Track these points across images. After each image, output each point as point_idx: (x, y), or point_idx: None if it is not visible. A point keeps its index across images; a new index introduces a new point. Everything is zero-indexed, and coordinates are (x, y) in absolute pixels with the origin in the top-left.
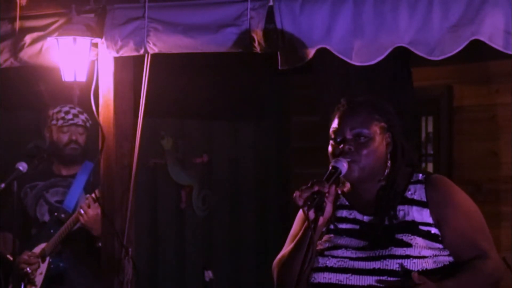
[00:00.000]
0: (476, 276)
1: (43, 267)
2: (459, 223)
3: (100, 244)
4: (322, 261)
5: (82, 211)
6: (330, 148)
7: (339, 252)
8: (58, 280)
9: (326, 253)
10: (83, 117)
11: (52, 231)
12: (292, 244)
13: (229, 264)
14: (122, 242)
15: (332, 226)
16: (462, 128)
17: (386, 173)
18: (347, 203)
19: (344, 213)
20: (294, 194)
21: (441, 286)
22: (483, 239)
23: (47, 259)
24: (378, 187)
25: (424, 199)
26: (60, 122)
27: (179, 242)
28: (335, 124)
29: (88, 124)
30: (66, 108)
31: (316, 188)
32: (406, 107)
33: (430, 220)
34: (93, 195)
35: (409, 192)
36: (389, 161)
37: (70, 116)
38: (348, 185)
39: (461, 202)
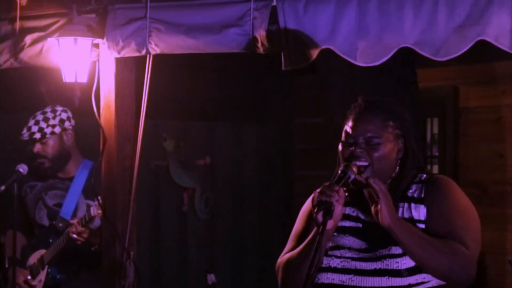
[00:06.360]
0: (444, 247)
1: (42, 274)
2: (450, 216)
3: (94, 248)
4: (325, 261)
5: (74, 236)
6: (340, 147)
7: (342, 252)
8: None
9: (330, 252)
10: (43, 124)
11: (50, 240)
12: (301, 246)
13: (232, 267)
14: (124, 245)
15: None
16: (467, 129)
17: (392, 177)
18: (351, 200)
19: (347, 210)
20: (313, 195)
21: (401, 221)
22: (469, 238)
23: (46, 267)
24: None
25: (422, 195)
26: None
27: (181, 245)
28: (349, 125)
29: (50, 130)
30: (30, 123)
31: (324, 198)
32: (411, 108)
33: (425, 217)
34: (92, 209)
35: (410, 191)
36: (398, 167)
37: (24, 131)
38: None
39: (459, 201)
